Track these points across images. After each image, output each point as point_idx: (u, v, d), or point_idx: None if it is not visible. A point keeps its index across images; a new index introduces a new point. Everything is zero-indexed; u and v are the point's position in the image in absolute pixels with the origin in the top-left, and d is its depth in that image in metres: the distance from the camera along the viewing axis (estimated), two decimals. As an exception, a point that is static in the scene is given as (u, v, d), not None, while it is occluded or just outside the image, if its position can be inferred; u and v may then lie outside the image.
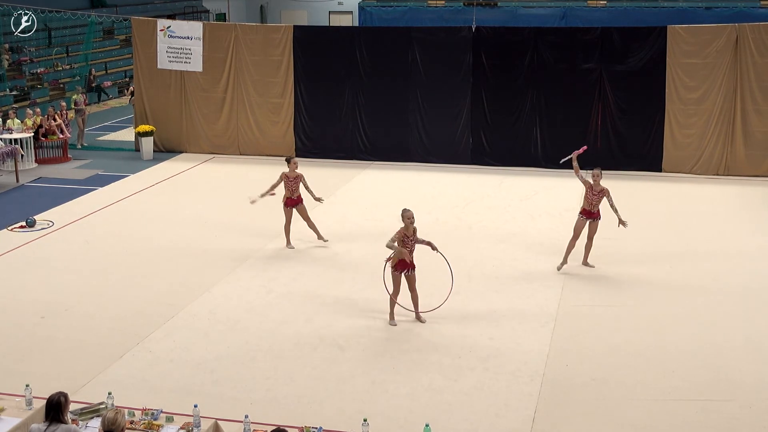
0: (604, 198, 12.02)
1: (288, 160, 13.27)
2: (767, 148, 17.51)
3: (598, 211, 12.20)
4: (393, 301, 10.57)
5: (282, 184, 13.14)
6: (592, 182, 12.06)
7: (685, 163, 17.86)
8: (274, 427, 6.60)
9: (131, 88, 23.23)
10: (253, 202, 13.45)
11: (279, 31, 19.45)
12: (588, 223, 12.25)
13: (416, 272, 10.53)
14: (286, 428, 6.53)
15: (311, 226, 13.39)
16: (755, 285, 11.82)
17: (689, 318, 10.75)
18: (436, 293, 11.07)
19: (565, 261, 12.39)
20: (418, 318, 10.67)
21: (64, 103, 21.68)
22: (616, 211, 11.97)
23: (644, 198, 16.21)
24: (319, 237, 13.49)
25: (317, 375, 9.30)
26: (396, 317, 10.62)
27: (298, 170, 13.20)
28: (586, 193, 12.16)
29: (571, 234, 12.39)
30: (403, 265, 10.42)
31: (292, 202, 13.16)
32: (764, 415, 8.44)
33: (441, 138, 18.93)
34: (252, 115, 19.69)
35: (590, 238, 12.39)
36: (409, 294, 10.65)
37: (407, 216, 10.27)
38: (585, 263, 12.53)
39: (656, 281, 12.00)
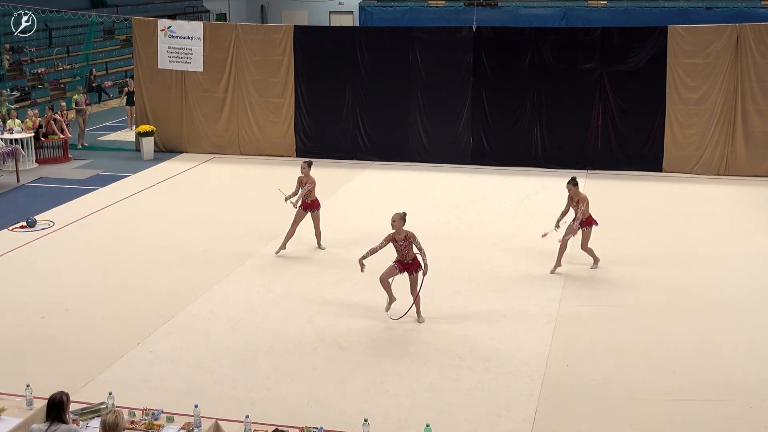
0: (583, 205, 12.09)
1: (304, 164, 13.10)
2: (768, 148, 17.54)
3: (590, 218, 12.22)
4: (384, 286, 10.48)
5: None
6: (572, 197, 12.13)
7: (686, 163, 17.85)
8: (274, 428, 6.61)
9: (126, 89, 23.22)
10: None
11: (279, 31, 19.45)
12: (582, 231, 12.22)
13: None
14: (287, 428, 6.53)
15: (317, 233, 13.26)
16: (756, 285, 11.82)
17: (689, 318, 10.75)
18: (435, 294, 11.07)
19: (557, 264, 12.34)
20: (418, 318, 10.64)
21: (64, 103, 21.67)
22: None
23: (645, 198, 16.21)
24: (319, 245, 13.38)
25: (318, 375, 9.31)
26: (393, 317, 10.61)
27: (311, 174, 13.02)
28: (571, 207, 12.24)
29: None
30: (402, 266, 10.45)
31: (307, 205, 13.04)
32: (764, 415, 8.44)
33: (441, 138, 18.93)
34: (252, 115, 19.69)
35: (583, 247, 12.35)
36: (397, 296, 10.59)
37: (392, 219, 10.27)
38: (594, 263, 12.53)
39: (656, 281, 12.00)
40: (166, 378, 9.23)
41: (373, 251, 10.38)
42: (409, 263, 10.40)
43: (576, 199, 12.08)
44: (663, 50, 17.51)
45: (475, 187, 17.13)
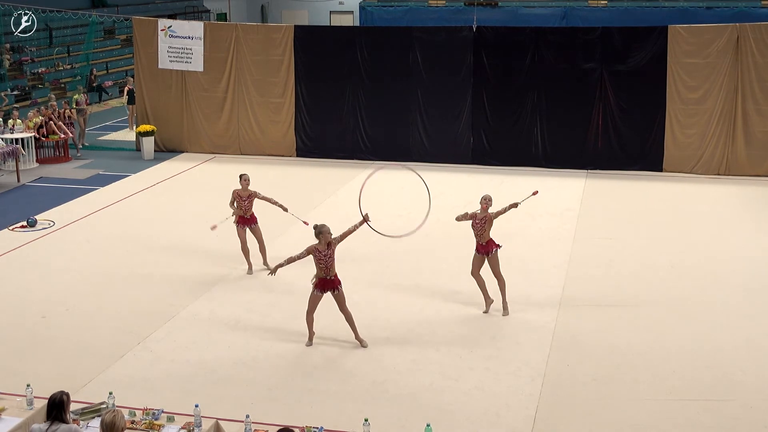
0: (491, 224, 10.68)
1: (240, 177, 12.31)
2: (768, 147, 17.53)
3: (491, 242, 10.69)
4: (309, 321, 9.93)
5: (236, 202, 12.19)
6: (478, 211, 10.70)
7: (686, 162, 17.84)
8: (275, 427, 6.59)
9: (127, 87, 23.20)
10: (214, 227, 12.17)
11: (280, 31, 19.46)
12: (485, 258, 10.74)
13: (344, 288, 9.77)
14: (294, 428, 6.51)
15: (262, 249, 12.39)
16: (756, 285, 11.82)
17: (689, 318, 10.75)
18: (436, 295, 11.03)
19: (486, 299, 10.90)
20: (359, 341, 9.96)
21: (66, 103, 21.62)
22: (505, 210, 10.69)
23: (645, 198, 16.21)
24: (265, 262, 12.39)
25: (318, 375, 9.31)
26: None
27: (251, 187, 12.23)
28: (472, 225, 10.80)
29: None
30: (323, 285, 9.78)
31: (245, 221, 12.23)
32: (765, 415, 8.44)
33: (442, 138, 18.93)
34: (253, 114, 19.70)
35: (495, 274, 10.80)
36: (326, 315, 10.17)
37: (323, 231, 9.62)
38: (504, 309, 10.90)
39: (656, 281, 11.99)
40: (167, 378, 9.23)
41: (290, 260, 9.81)
42: (330, 279, 9.75)
43: (482, 217, 10.64)
44: (663, 50, 17.50)
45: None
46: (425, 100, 18.84)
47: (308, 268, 12.46)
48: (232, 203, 12.33)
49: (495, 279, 10.81)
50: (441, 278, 11.79)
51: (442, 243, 13.61)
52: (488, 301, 10.90)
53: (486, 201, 10.72)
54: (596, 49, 17.87)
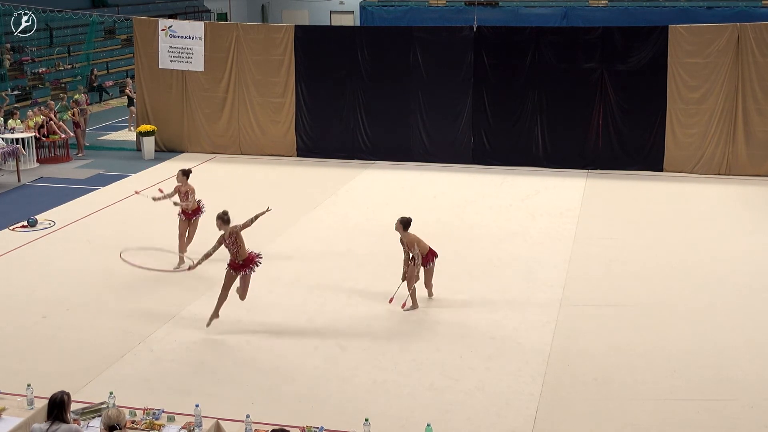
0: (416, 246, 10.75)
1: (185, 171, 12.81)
2: (769, 147, 17.51)
3: (430, 251, 10.95)
4: (220, 297, 10.35)
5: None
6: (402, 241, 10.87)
7: (687, 162, 17.83)
8: (275, 427, 6.61)
9: (128, 89, 23.19)
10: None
11: (280, 31, 19.46)
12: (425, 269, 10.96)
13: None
14: (288, 428, 6.53)
15: (189, 240, 12.75)
16: (756, 285, 11.81)
17: (690, 318, 10.74)
18: (437, 294, 11.04)
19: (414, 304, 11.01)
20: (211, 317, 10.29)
21: (75, 102, 21.56)
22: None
23: (645, 198, 16.20)
24: (181, 255, 12.61)
25: (318, 375, 9.32)
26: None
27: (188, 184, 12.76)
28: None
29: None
30: (234, 266, 10.27)
31: (187, 214, 12.74)
32: (765, 415, 8.44)
33: (442, 138, 18.92)
34: (253, 114, 19.69)
35: (426, 283, 11.12)
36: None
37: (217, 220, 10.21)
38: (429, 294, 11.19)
39: (657, 281, 11.99)
40: (167, 377, 9.24)
41: (207, 255, 10.25)
42: (240, 264, 10.25)
43: (406, 242, 10.82)
44: (664, 50, 17.49)
45: (476, 186, 17.12)
46: (425, 100, 18.84)
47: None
48: (170, 195, 12.74)
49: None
50: (441, 278, 11.77)
51: (442, 243, 13.58)
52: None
53: (400, 224, 10.81)
54: (596, 49, 17.86)
